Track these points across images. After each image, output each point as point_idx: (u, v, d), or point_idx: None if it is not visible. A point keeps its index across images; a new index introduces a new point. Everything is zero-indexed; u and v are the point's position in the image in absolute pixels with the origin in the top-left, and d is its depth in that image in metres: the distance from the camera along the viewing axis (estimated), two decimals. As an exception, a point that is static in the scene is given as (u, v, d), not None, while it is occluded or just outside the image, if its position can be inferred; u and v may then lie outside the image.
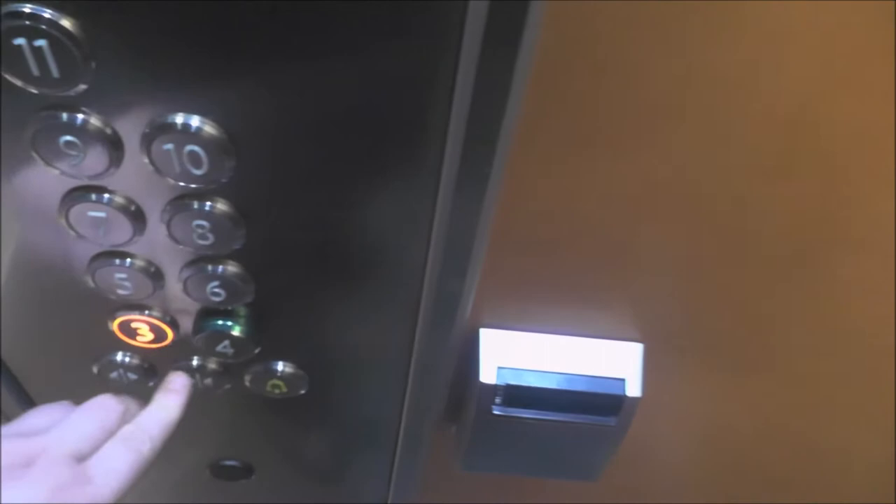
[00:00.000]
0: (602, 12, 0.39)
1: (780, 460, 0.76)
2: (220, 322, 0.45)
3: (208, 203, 0.37)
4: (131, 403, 0.46)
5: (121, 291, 0.42)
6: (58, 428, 0.42)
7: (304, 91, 0.32)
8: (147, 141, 0.33)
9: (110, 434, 0.43)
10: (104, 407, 0.44)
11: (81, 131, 0.33)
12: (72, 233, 0.38)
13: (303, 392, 0.52)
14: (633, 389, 0.59)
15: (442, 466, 0.74)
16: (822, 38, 0.40)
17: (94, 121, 0.33)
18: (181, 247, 0.39)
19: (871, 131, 0.44)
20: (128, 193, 0.37)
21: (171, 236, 0.38)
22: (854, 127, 0.44)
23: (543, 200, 0.49)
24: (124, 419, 0.44)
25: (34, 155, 0.34)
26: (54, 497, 0.37)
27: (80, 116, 0.32)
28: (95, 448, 0.42)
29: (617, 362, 0.59)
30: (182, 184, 0.35)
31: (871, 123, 0.44)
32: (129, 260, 0.40)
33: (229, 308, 0.44)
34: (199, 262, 0.41)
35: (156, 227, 0.38)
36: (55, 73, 0.30)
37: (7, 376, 0.51)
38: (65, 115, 0.32)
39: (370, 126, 0.34)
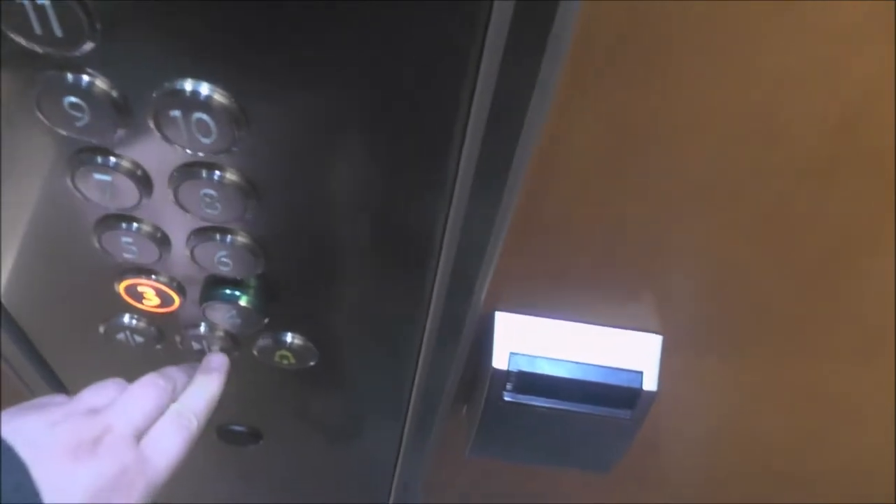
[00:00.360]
0: (646, 10, 0.37)
1: (797, 459, 0.75)
2: (227, 291, 0.44)
3: (217, 172, 0.36)
4: (178, 378, 0.46)
5: (127, 255, 0.41)
6: (118, 406, 0.41)
7: (321, 65, 0.31)
8: (154, 106, 0.32)
9: (161, 413, 0.43)
10: (156, 385, 0.44)
11: (86, 93, 0.31)
12: (78, 195, 0.37)
13: (312, 364, 0.51)
14: (651, 383, 0.57)
15: (449, 448, 0.73)
16: (877, 41, 0.37)
17: (100, 83, 0.31)
18: (189, 214, 0.38)
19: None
20: (134, 158, 0.36)
21: (179, 203, 0.37)
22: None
23: (573, 187, 0.47)
24: (172, 397, 0.45)
25: (39, 115, 0.33)
26: (120, 477, 0.38)
27: (86, 78, 0.31)
28: (150, 427, 0.42)
29: (635, 354, 0.57)
30: (189, 151, 0.34)
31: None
32: (135, 224, 0.40)
33: (238, 278, 0.43)
34: (207, 230, 0.40)
35: (163, 193, 0.37)
36: (58, 32, 0.29)
37: (18, 334, 0.51)
38: (69, 76, 0.31)
39: (387, 100, 0.32)
